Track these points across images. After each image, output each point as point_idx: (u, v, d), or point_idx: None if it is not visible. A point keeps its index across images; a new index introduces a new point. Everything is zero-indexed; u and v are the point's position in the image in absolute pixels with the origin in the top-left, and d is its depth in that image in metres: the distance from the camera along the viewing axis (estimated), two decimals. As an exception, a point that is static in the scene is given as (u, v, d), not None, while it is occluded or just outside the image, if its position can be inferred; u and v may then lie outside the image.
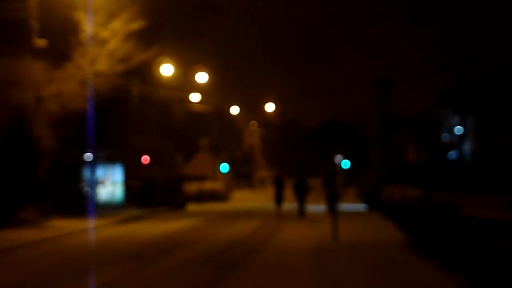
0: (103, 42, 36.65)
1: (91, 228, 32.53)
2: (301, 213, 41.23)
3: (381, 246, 23.59)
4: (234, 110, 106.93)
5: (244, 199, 72.59)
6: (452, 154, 65.37)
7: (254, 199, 72.45)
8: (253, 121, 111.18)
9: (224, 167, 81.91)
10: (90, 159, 43.89)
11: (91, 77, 36.40)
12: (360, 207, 50.09)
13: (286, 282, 16.87)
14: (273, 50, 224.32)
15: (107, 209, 44.38)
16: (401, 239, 25.14)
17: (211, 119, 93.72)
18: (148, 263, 20.59)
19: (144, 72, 51.97)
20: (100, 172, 45.64)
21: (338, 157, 54.00)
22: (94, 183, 44.75)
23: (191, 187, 62.40)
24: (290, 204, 43.33)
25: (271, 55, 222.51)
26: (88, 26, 36.06)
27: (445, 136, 77.29)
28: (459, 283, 15.13)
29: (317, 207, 49.50)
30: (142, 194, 49.67)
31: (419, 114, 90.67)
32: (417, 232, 23.37)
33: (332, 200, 31.70)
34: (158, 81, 60.42)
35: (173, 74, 61.92)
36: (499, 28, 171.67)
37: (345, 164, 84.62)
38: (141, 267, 19.89)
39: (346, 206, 49.07)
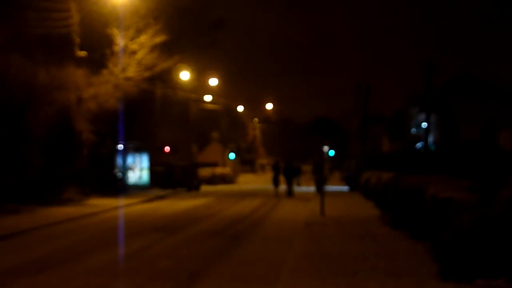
0: (133, 53, 36.70)
1: (123, 206, 32.59)
2: (289, 193, 41.22)
3: (360, 220, 23.61)
4: (240, 108, 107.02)
5: (248, 182, 72.59)
6: (419, 145, 65.35)
7: (256, 182, 72.45)
8: (255, 118, 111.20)
9: (232, 156, 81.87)
10: (122, 149, 43.95)
11: (122, 81, 36.46)
12: (343, 188, 50.07)
13: (281, 250, 16.91)
14: (272, 58, 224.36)
15: (136, 190, 44.44)
16: (377, 215, 25.14)
17: (221, 115, 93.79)
18: (169, 234, 20.63)
19: (166, 77, 52.00)
20: (130, 159, 45.68)
21: (325, 147, 54.01)
22: (125, 169, 44.80)
23: (204, 172, 62.41)
24: (285, 186, 43.38)
25: (271, 62, 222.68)
26: (120, 40, 36.16)
27: (413, 130, 77.28)
28: (425, 250, 15.16)
29: (308, 188, 49.58)
30: (164, 177, 49.68)
31: (392, 111, 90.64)
32: (390, 209, 23.40)
33: (320, 183, 31.75)
34: (177, 85, 60.45)
35: (190, 79, 62.02)
36: (462, 41, 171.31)
37: (331, 153, 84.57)
38: (164, 237, 19.94)
39: (332, 187, 49.08)
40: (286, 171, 41.96)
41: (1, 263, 15.10)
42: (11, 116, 30.46)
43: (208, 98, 78.39)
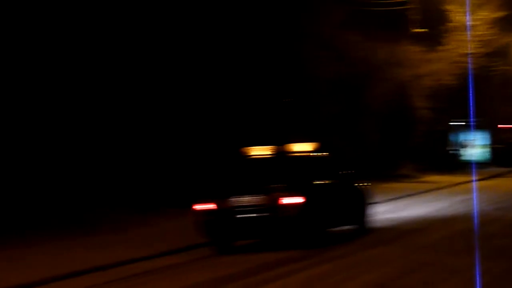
0: (470, 28, 35.73)
1: (460, 182, 31.24)
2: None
3: None
4: None
5: None
6: None
7: None
8: None
9: None
10: (457, 126, 43.25)
11: (458, 58, 35.74)
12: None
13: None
14: None
15: (471, 167, 43.18)
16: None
17: None
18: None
19: (506, 53, 50.07)
20: (465, 136, 44.62)
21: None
22: (460, 146, 43.99)
23: None
24: None
25: None
26: (457, 16, 35.49)
27: None
28: None
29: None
30: (503, 155, 47.94)
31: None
32: None
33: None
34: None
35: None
36: None
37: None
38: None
39: None
40: None
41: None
42: (350, 91, 31.29)
43: None
